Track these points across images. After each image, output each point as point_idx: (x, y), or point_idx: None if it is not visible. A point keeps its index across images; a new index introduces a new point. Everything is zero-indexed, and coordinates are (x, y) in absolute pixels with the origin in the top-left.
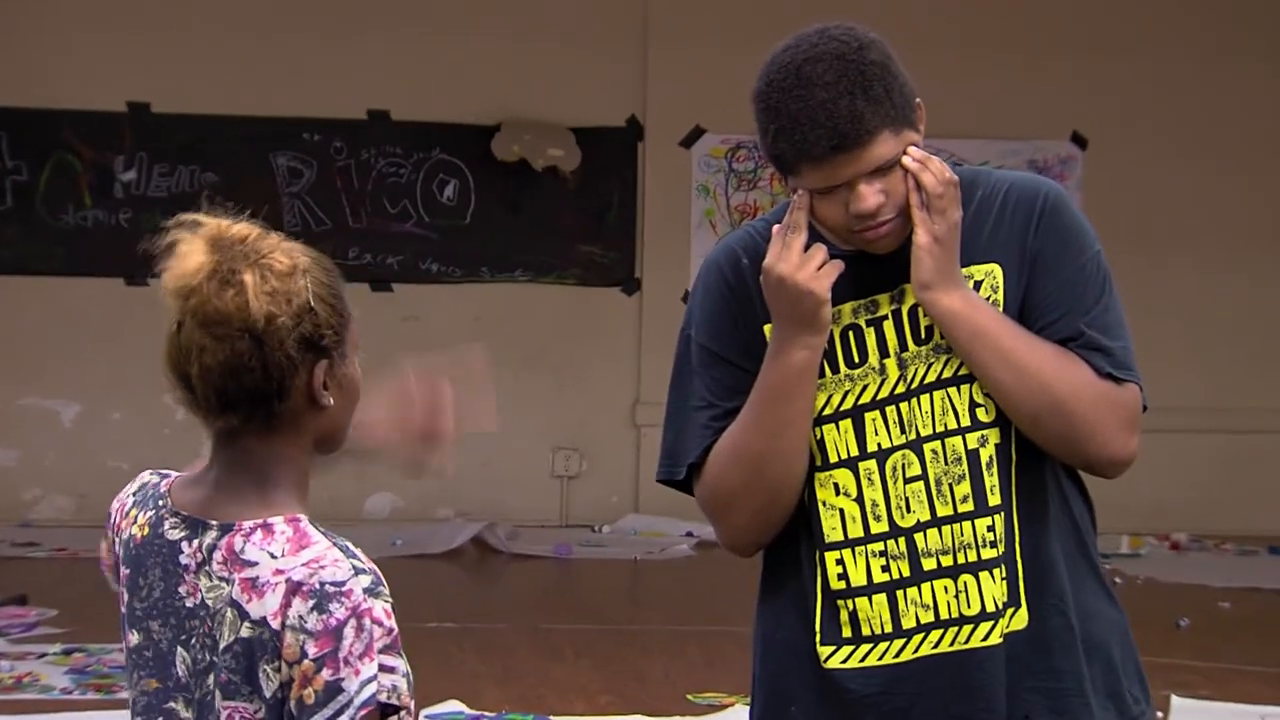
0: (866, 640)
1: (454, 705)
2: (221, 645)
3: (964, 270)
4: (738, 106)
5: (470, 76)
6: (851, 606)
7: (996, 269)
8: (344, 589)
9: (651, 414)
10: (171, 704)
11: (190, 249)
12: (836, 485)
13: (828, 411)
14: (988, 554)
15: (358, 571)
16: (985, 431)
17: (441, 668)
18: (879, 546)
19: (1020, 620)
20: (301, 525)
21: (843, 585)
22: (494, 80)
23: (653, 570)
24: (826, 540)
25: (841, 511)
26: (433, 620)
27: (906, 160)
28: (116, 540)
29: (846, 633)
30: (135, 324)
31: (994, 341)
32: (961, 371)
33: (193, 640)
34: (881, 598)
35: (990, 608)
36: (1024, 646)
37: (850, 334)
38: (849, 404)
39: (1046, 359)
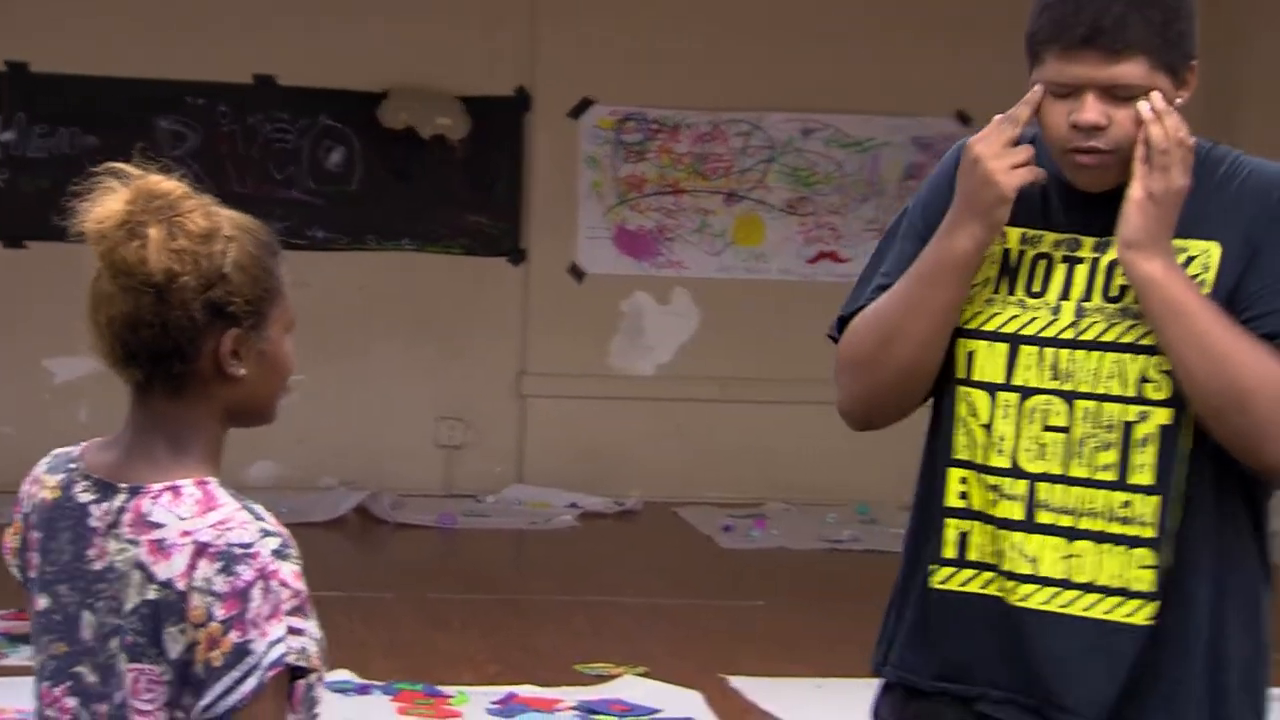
0: (970, 566)
1: (343, 674)
2: (127, 607)
3: (1179, 243)
4: (626, 78)
5: (358, 43)
6: (966, 528)
7: (1214, 248)
8: (251, 551)
9: (538, 384)
10: (78, 667)
11: (110, 196)
12: (972, 404)
13: (988, 327)
14: (1115, 529)
15: (266, 534)
16: (1149, 408)
17: (329, 637)
18: (993, 480)
19: (1143, 615)
20: (210, 488)
21: (962, 504)
22: (382, 47)
23: (538, 541)
24: (953, 455)
25: (971, 433)
26: (318, 589)
27: (1143, 104)
28: (28, 515)
29: (950, 553)
30: (15, 288)
31: (1188, 319)
32: (1143, 341)
33: (99, 603)
34: (990, 528)
35: (1103, 582)
36: (1129, 641)
37: (1042, 263)
38: (1010, 328)
39: (1240, 349)
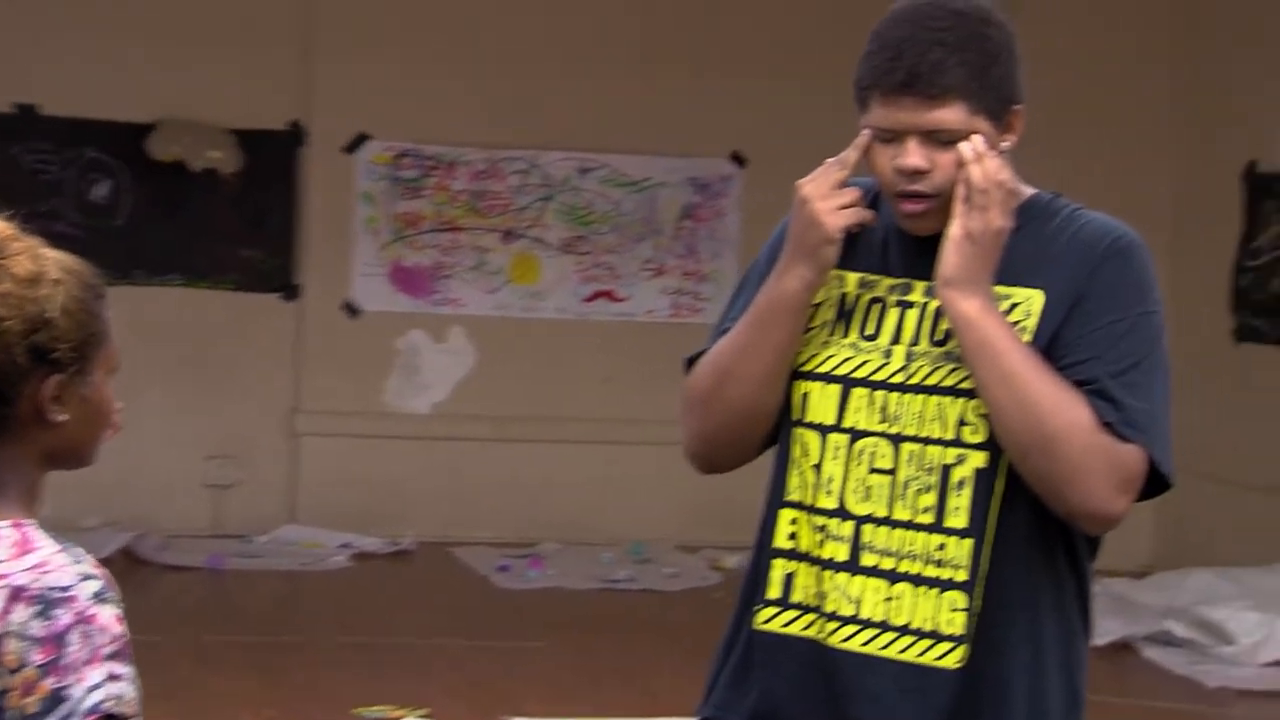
0: (794, 607)
1: None
2: None
3: (1003, 289)
4: (403, 113)
5: (125, 73)
6: (793, 569)
7: (1038, 296)
8: (69, 594)
9: (311, 422)
10: None
11: None
12: (804, 445)
13: (822, 369)
14: (931, 571)
15: (85, 577)
16: (966, 451)
17: None
18: (821, 521)
19: (954, 659)
20: (27, 530)
21: (790, 545)
22: (151, 78)
23: (311, 582)
24: (785, 496)
25: (803, 474)
26: None
27: (964, 146)
28: None
29: (775, 593)
30: None
31: (999, 358)
32: (963, 385)
33: None
34: (815, 569)
35: (918, 624)
36: (942, 684)
37: (876, 307)
38: (843, 370)
39: (1050, 393)
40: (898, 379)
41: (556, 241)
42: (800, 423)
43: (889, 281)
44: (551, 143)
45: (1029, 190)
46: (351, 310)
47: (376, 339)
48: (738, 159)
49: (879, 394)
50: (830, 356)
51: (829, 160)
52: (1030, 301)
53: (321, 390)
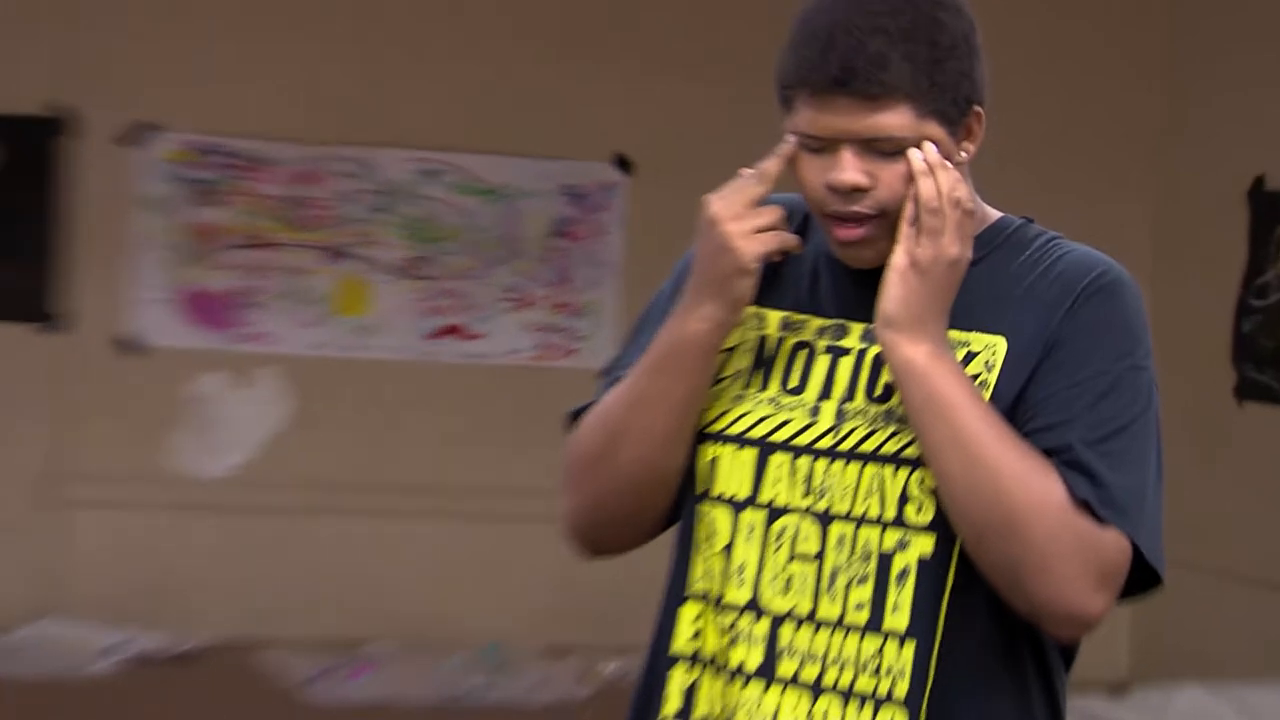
0: None
1: None
2: None
3: (959, 335)
4: (199, 98)
5: None
6: (695, 677)
7: (1001, 344)
8: None
9: (75, 489)
10: None
11: None
12: (711, 525)
13: (734, 430)
14: (864, 684)
15: None
16: (910, 534)
17: None
18: (729, 619)
19: None
20: None
21: (693, 648)
22: None
23: (71, 694)
24: (688, 589)
25: (710, 560)
26: None
27: (912, 155)
28: None
29: (673, 707)
30: None
31: (952, 416)
32: (907, 452)
33: None
34: (721, 679)
35: None
36: None
37: (802, 353)
38: (760, 431)
39: (1013, 461)
40: (827, 443)
41: (394, 262)
42: (707, 496)
43: (819, 322)
44: (388, 139)
45: (993, 214)
46: (129, 346)
47: (161, 384)
48: (623, 163)
49: (803, 461)
50: (745, 414)
51: (745, 171)
52: (992, 350)
53: (89, 448)
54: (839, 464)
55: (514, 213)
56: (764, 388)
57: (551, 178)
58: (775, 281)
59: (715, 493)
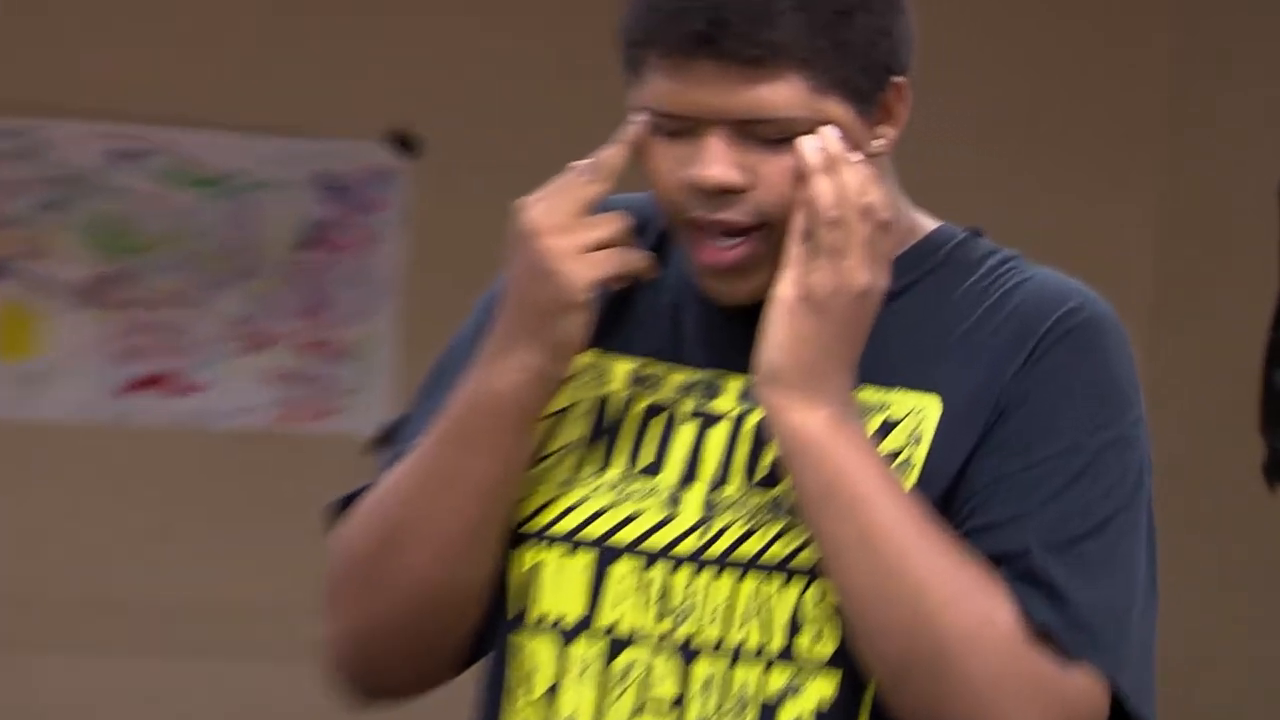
0: None
1: None
2: None
3: (876, 394)
4: None
5: None
6: None
7: (933, 407)
8: None
9: None
10: None
11: None
12: (529, 660)
13: (560, 526)
14: None
15: None
16: (803, 673)
17: None
18: None
19: None
20: None
21: None
22: None
23: None
24: None
25: (527, 710)
26: None
27: (806, 144)
28: None
29: None
30: None
31: (861, 510)
32: (800, 559)
33: None
34: None
35: None
36: None
37: (658, 420)
38: (597, 529)
39: (943, 571)
40: (690, 545)
41: (72, 283)
42: (523, 621)
43: (682, 376)
44: (64, 107)
45: (926, 224)
46: None
47: None
48: (403, 142)
49: (658, 571)
50: (577, 505)
51: (576, 165)
52: (919, 416)
53: None
54: (706, 575)
55: (247, 212)
56: (605, 468)
57: (300, 163)
58: (622, 319)
59: (535, 615)
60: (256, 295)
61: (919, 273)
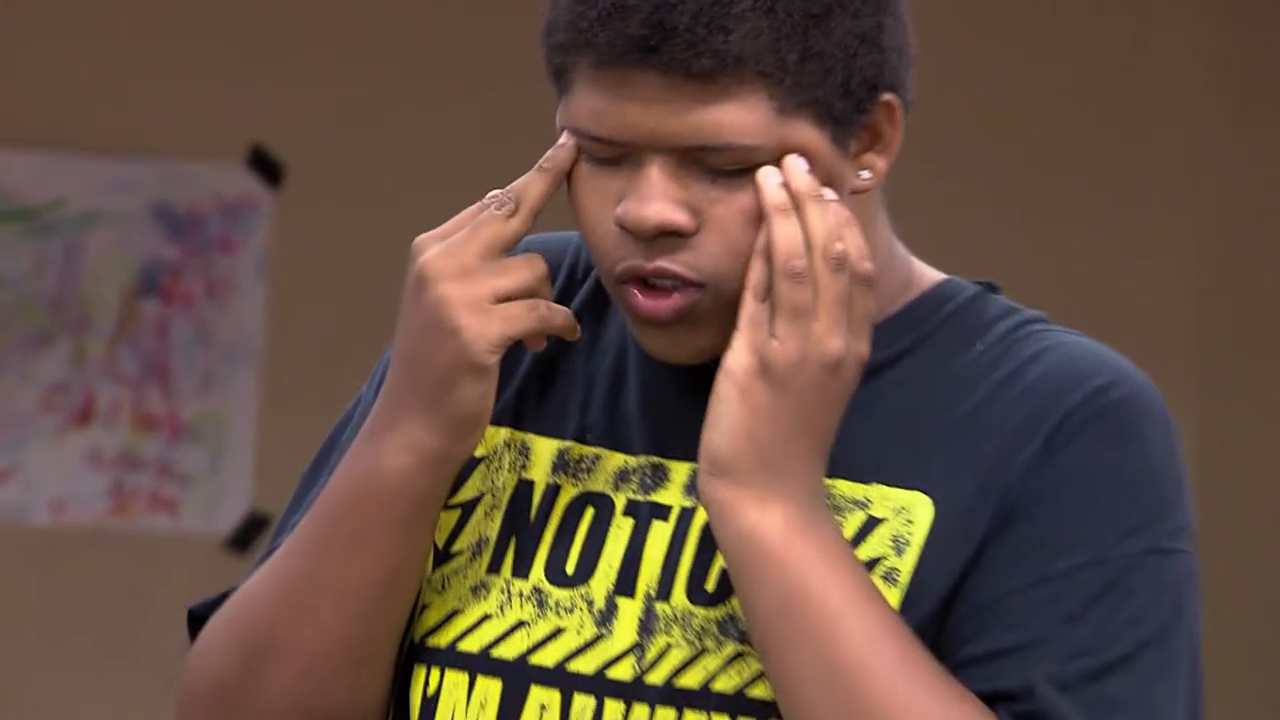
0: None
1: None
2: None
3: (852, 489)
4: None
5: None
6: None
7: (924, 506)
8: None
9: None
10: None
11: None
12: None
13: (465, 644)
14: None
15: None
16: None
17: None
18: None
19: None
20: None
21: None
22: None
23: None
24: None
25: None
26: None
27: (767, 179)
28: None
29: None
30: None
31: (827, 635)
32: (754, 692)
33: None
34: None
35: None
36: None
37: (587, 515)
38: (511, 650)
39: (928, 712)
40: (623, 672)
41: None
42: None
43: (618, 461)
44: None
45: (927, 278)
46: None
47: None
48: (264, 164)
49: (583, 705)
50: (485, 619)
51: (493, 195)
52: (905, 518)
53: None
54: (641, 711)
55: (69, 252)
56: (521, 573)
57: (137, 190)
58: (546, 389)
59: None
60: (80, 358)
61: (913, 338)
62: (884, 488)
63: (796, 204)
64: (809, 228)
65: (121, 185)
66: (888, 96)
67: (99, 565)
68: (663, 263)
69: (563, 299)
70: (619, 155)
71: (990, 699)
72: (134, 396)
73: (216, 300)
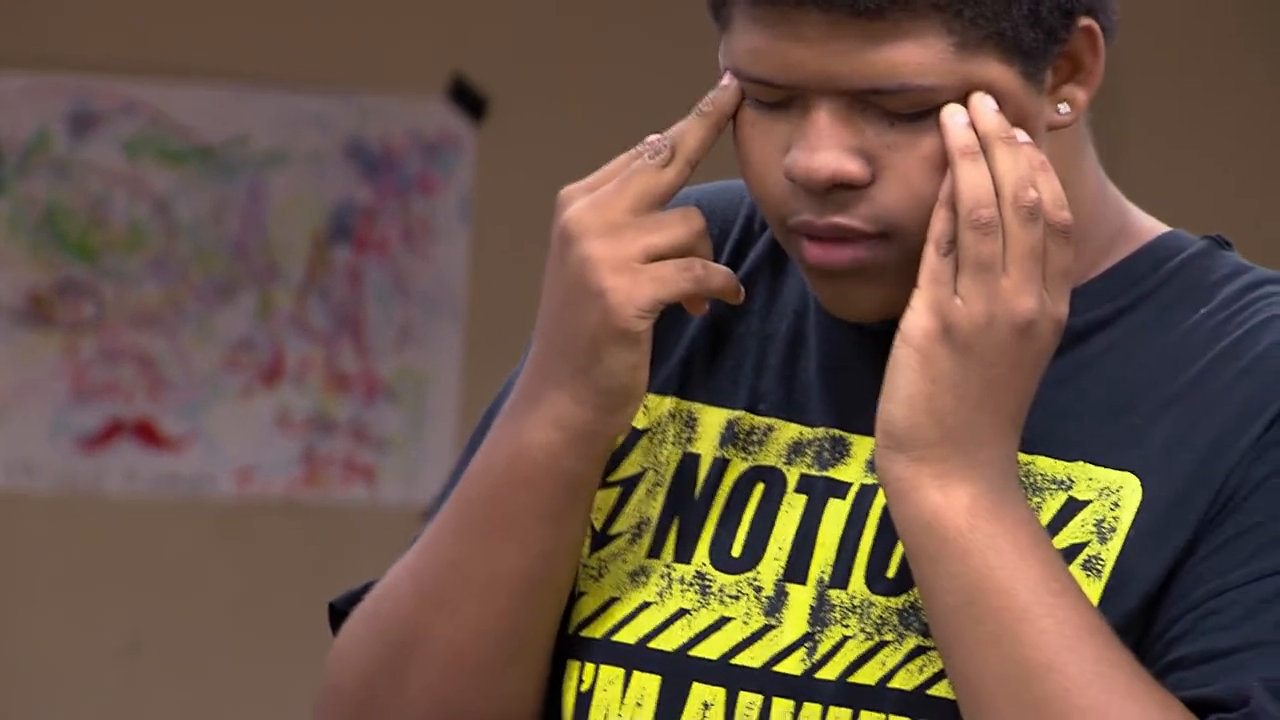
0: None
1: None
2: None
3: (1052, 467)
4: None
5: None
6: None
7: (1131, 488)
8: None
9: None
10: None
11: None
12: None
13: (621, 635)
14: None
15: None
16: None
17: None
18: None
19: None
20: None
21: None
22: None
23: None
24: None
25: None
26: None
27: (950, 121)
28: None
29: None
30: None
31: (1017, 631)
32: (937, 690)
33: None
34: None
35: None
36: None
37: (756, 492)
38: (670, 642)
39: (1135, 714)
40: (791, 667)
41: (8, 296)
42: None
43: (792, 434)
44: (6, 56)
45: (1145, 229)
46: None
47: None
48: (467, 97)
49: (747, 704)
50: (644, 608)
51: (649, 141)
52: (1111, 500)
53: None
54: (812, 710)
55: (253, 195)
56: (684, 557)
57: (327, 126)
58: (718, 354)
59: None
60: (266, 310)
61: (1126, 299)
62: (1089, 466)
63: (984, 146)
64: (998, 173)
65: (310, 121)
66: (1086, 21)
67: (288, 539)
68: (837, 219)
69: (738, 255)
70: (785, 98)
71: (1198, 706)
72: (325, 353)
73: (415, 246)
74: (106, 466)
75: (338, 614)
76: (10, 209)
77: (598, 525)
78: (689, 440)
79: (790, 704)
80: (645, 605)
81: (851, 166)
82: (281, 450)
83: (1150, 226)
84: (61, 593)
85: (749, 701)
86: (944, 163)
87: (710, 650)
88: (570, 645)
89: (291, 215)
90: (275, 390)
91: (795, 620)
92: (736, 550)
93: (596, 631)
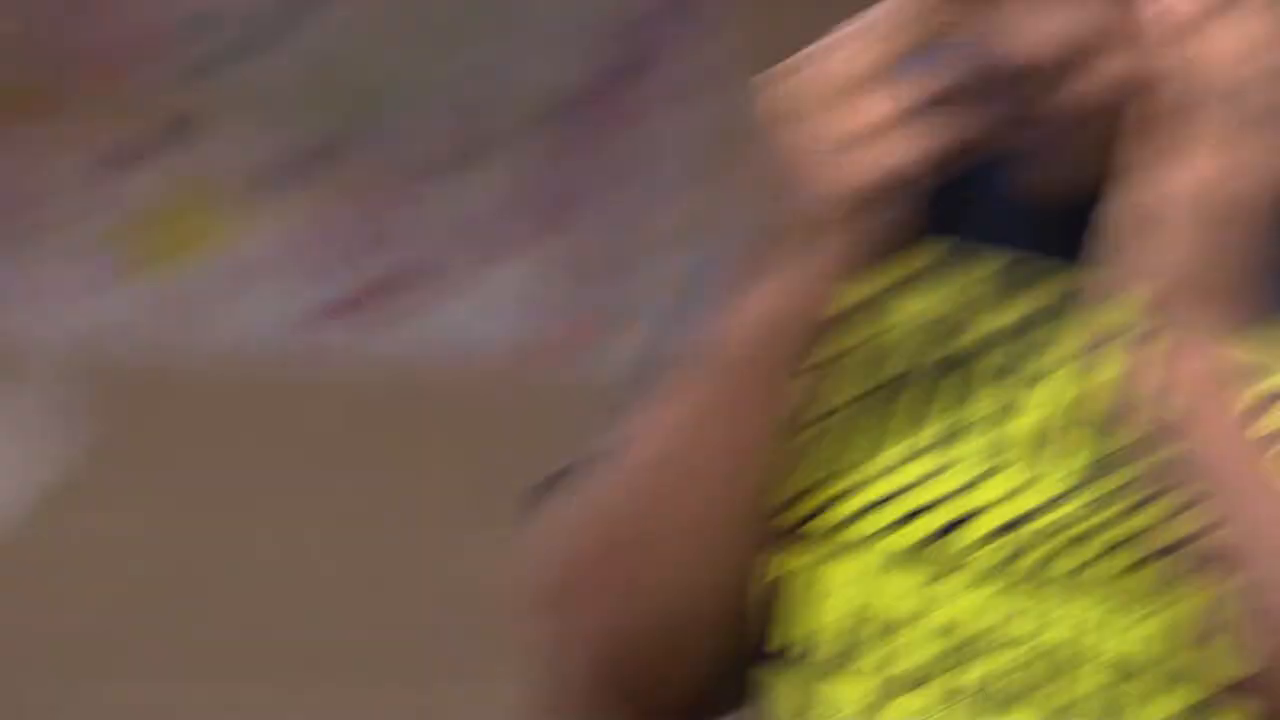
0: None
1: None
2: None
3: (1256, 341)
4: None
5: None
6: None
7: None
8: None
9: None
10: None
11: None
12: (778, 707)
13: (824, 519)
14: None
15: None
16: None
17: None
18: None
19: None
20: None
21: None
22: None
23: None
24: None
25: None
26: None
27: None
28: None
29: None
30: None
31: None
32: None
33: None
34: None
35: None
36: None
37: (968, 375)
38: (872, 525)
39: None
40: (996, 553)
41: (255, 165)
42: (770, 650)
43: (1004, 314)
44: None
45: None
46: None
47: None
48: None
49: (951, 586)
50: (849, 491)
51: (885, 5)
52: None
53: None
54: (1022, 592)
55: (495, 62)
56: (889, 438)
57: None
58: (953, 223)
59: (784, 643)
60: (502, 181)
61: None
62: None
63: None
64: (1240, 30)
65: None
66: None
67: (534, 418)
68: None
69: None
70: None
71: None
72: (556, 225)
73: (657, 111)
74: (353, 340)
75: (544, 492)
76: (247, 77)
77: (811, 405)
78: (959, 289)
79: (997, 585)
80: (846, 491)
81: (1085, 31)
82: (525, 320)
83: None
84: (295, 455)
85: (949, 586)
86: (1161, 30)
87: (912, 534)
88: (768, 530)
89: (528, 76)
90: (513, 261)
91: (1002, 500)
92: (942, 432)
93: (795, 516)
